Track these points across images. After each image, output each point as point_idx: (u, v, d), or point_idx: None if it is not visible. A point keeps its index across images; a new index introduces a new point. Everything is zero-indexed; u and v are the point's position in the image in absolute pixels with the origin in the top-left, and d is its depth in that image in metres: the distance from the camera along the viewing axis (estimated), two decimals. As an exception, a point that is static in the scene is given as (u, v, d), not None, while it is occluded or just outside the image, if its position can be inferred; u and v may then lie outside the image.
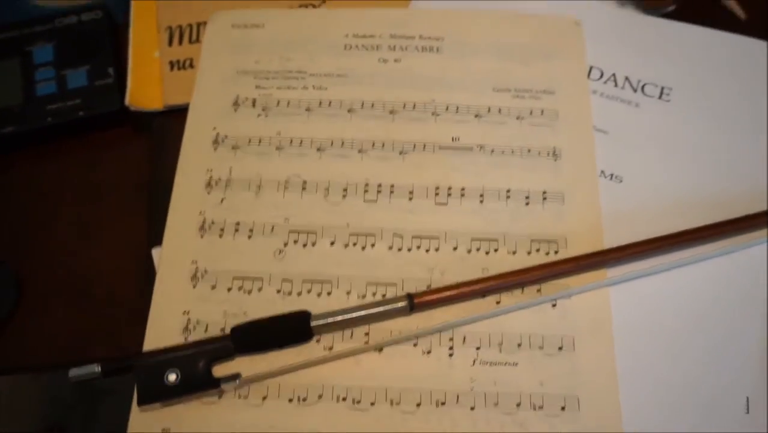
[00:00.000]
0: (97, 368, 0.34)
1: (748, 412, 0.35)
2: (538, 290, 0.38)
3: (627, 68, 0.44)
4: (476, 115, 0.42)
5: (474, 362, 0.36)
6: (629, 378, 0.36)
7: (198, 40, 0.46)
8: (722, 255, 0.38)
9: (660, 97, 0.43)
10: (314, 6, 0.47)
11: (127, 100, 0.44)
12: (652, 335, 0.37)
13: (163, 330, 0.37)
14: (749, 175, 0.41)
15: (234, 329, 0.36)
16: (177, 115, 0.44)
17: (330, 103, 0.43)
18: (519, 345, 0.36)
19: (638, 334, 0.37)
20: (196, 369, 0.35)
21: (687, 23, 0.45)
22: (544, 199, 0.40)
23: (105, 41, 0.46)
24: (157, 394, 0.34)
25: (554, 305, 0.37)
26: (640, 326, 0.37)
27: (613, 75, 0.44)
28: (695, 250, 0.38)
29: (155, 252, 0.39)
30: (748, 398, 0.35)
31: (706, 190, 0.40)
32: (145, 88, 0.44)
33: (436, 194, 0.40)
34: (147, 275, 0.39)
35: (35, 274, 0.41)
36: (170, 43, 0.46)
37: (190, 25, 0.46)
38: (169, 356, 0.35)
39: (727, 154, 0.41)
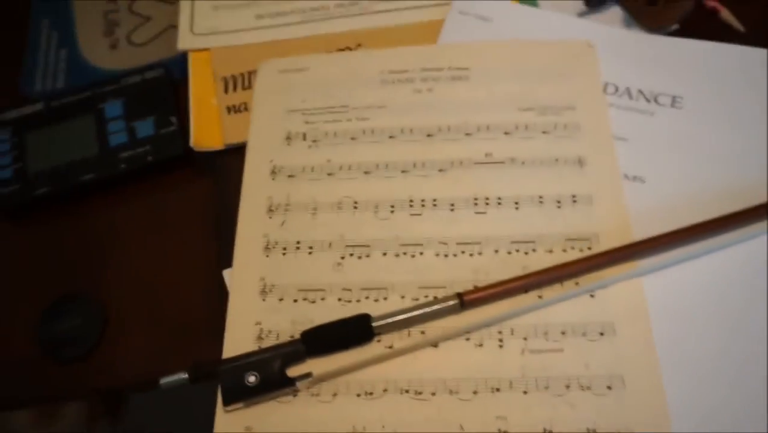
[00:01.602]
0: (184, 375, 0.38)
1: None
2: (576, 283, 0.41)
3: (639, 82, 0.48)
4: (505, 133, 0.47)
5: (523, 351, 0.39)
6: (669, 356, 0.39)
7: (250, 86, 0.51)
8: (743, 241, 0.42)
9: (672, 105, 0.47)
10: (351, 49, 0.52)
11: (192, 142, 0.49)
12: (687, 316, 0.40)
13: (239, 340, 0.41)
14: (759, 167, 0.44)
15: (304, 334, 0.40)
16: (236, 153, 0.49)
17: (373, 131, 0.47)
18: (563, 333, 0.40)
19: (674, 316, 0.40)
20: (273, 371, 0.38)
21: (690, 39, 0.50)
22: (574, 201, 0.44)
23: (167, 94, 0.52)
24: (239, 394, 0.38)
25: (592, 296, 0.41)
26: (674, 308, 0.40)
27: (627, 89, 0.48)
28: (718, 238, 0.42)
29: (226, 273, 0.44)
30: (781, 369, 0.38)
31: (722, 184, 0.44)
32: (206, 131, 0.50)
33: (475, 204, 0.44)
34: (218, 296, 0.44)
35: (117, 303, 0.46)
36: (226, 90, 0.51)
37: (242, 74, 0.52)
38: (248, 361, 0.39)
39: (737, 150, 0.45)
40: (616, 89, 0.48)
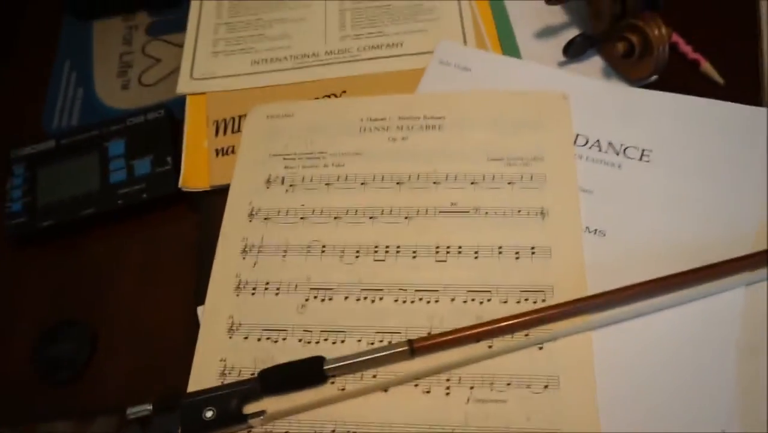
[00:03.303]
0: (149, 407, 0.41)
1: (724, 444, 0.38)
2: (526, 335, 0.42)
3: (610, 134, 0.49)
4: (472, 182, 0.48)
5: (468, 400, 0.41)
6: (610, 413, 0.39)
7: (239, 130, 0.54)
8: (696, 300, 0.42)
9: (641, 158, 0.48)
10: (336, 96, 0.55)
11: (180, 183, 0.52)
12: (634, 374, 0.41)
13: (204, 374, 0.43)
14: (721, 225, 0.44)
15: (260, 373, 0.42)
16: (222, 193, 0.52)
17: (346, 177, 0.50)
18: (509, 384, 0.41)
19: (619, 372, 0.41)
20: (230, 407, 0.41)
21: (667, 92, 0.50)
22: (533, 253, 0.45)
23: (165, 135, 0.55)
24: (197, 428, 0.41)
25: (541, 348, 0.42)
26: (622, 365, 0.41)
27: (598, 141, 0.49)
28: (670, 295, 0.42)
29: (200, 310, 0.47)
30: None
31: (682, 241, 0.44)
32: (195, 172, 0.53)
33: (437, 252, 0.46)
34: (195, 327, 0.47)
35: (108, 329, 0.49)
36: (216, 133, 0.54)
37: (233, 118, 0.55)
38: (207, 396, 0.41)
39: (700, 207, 0.45)
40: (587, 141, 0.49)
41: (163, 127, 0.56)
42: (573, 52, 0.53)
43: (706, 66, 0.52)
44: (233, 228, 0.49)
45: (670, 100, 0.50)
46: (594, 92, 0.51)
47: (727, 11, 0.55)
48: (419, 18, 0.58)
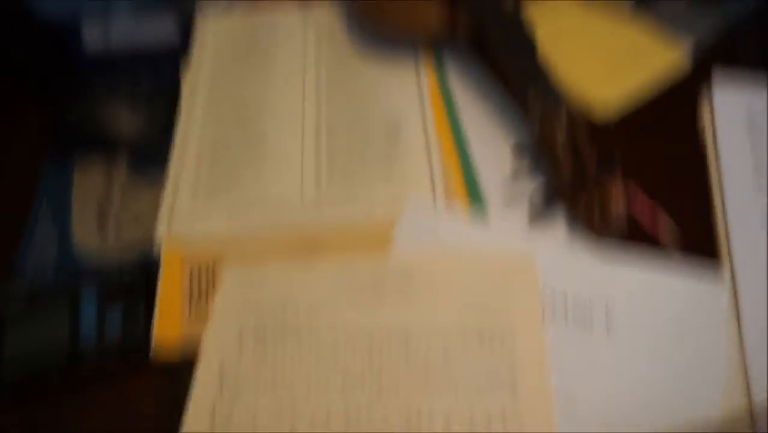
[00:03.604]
0: None
1: None
2: None
3: (576, 297, 0.50)
4: (443, 348, 0.49)
5: None
6: None
7: (214, 287, 0.54)
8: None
9: (606, 323, 0.49)
10: (311, 249, 0.55)
11: (152, 346, 0.52)
12: None
13: None
14: (687, 395, 0.45)
15: None
16: (192, 358, 0.51)
17: (318, 341, 0.50)
18: None
19: None
20: None
21: (634, 244, 0.52)
22: (504, 420, 0.45)
23: (140, 293, 0.55)
24: None
25: None
26: None
27: (564, 305, 0.50)
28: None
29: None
30: None
31: (653, 407, 0.45)
32: (167, 333, 0.53)
33: (408, 423, 0.46)
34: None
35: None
36: (191, 293, 0.55)
37: (209, 276, 0.55)
38: None
39: (665, 376, 0.46)
40: (554, 304, 0.50)
41: (138, 286, 0.56)
42: (535, 218, 0.55)
43: (665, 235, 0.54)
44: (203, 394, 0.49)
45: (634, 270, 0.51)
46: (559, 254, 0.52)
47: (685, 171, 0.58)
48: (391, 172, 0.60)
